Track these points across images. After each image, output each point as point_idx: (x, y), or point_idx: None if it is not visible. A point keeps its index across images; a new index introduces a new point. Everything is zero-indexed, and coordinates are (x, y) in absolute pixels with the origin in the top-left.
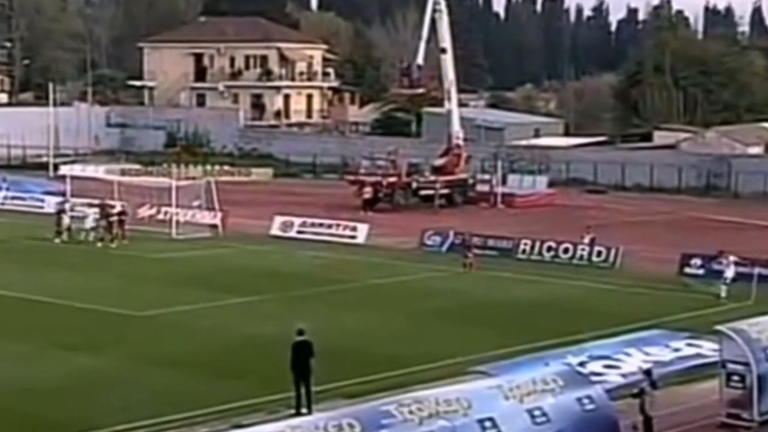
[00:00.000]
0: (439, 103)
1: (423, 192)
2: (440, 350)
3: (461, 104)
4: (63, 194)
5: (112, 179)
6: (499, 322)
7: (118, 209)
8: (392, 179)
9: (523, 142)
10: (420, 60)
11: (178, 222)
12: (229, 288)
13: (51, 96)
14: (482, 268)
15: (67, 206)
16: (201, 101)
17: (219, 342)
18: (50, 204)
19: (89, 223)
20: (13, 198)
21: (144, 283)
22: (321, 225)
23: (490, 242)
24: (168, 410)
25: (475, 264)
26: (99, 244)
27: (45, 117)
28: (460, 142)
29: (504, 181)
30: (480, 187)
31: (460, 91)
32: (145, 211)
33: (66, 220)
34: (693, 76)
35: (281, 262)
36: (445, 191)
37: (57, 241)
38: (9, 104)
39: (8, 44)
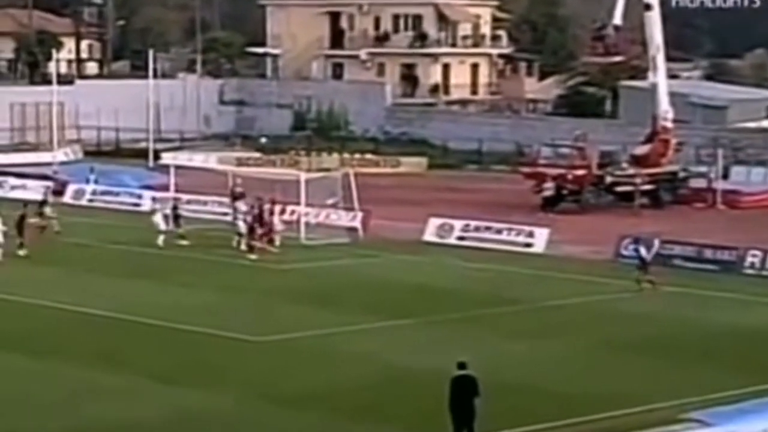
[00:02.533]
0: (642, 74)
1: (620, 188)
2: (640, 391)
3: (671, 76)
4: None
5: (226, 170)
6: (717, 357)
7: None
8: (580, 172)
9: (753, 125)
10: (618, 20)
11: (308, 224)
12: (371, 308)
13: (151, 66)
14: (695, 285)
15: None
16: (338, 73)
17: (358, 376)
18: (148, 201)
19: (242, 227)
20: (103, 193)
21: (265, 300)
22: (488, 229)
23: (707, 253)
24: None
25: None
26: (252, 257)
27: (144, 92)
28: (669, 125)
29: (726, 175)
30: (694, 183)
31: (669, 59)
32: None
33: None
34: None
35: (437, 276)
36: (649, 187)
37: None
38: (99, 76)
39: (99, 1)
